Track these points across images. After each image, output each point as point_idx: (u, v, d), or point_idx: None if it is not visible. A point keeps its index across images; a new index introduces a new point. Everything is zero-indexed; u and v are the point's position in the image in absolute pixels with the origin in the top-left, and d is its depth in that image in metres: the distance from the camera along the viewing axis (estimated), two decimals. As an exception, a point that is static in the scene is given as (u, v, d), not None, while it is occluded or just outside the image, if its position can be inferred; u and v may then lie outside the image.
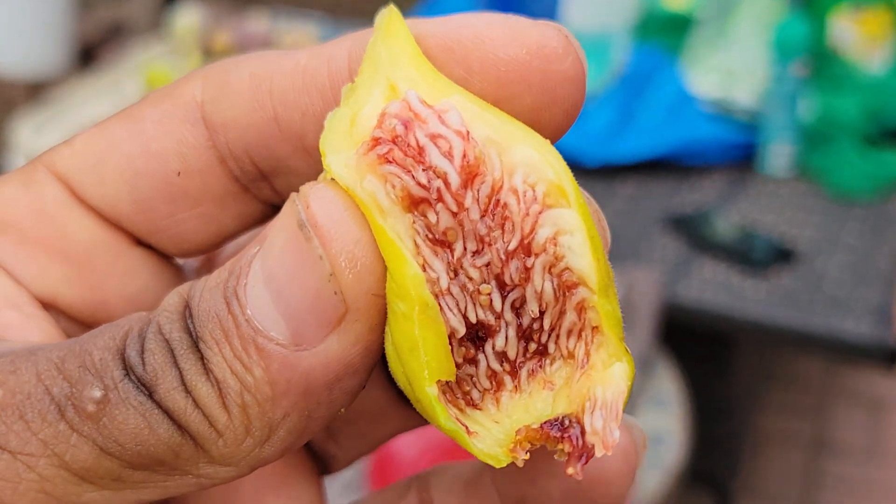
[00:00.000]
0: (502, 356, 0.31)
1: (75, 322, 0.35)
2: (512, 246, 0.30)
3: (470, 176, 0.30)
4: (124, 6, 2.66)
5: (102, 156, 0.34)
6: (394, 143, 0.30)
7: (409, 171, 0.30)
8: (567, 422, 0.30)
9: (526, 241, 0.30)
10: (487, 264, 0.31)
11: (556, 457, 0.30)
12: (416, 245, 0.30)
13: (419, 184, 0.30)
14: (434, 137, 0.30)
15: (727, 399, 2.13)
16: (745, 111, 2.02)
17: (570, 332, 0.31)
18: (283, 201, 0.33)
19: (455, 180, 0.30)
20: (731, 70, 2.05)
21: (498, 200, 0.31)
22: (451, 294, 0.31)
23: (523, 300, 0.31)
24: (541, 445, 0.30)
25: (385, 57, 0.32)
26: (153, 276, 0.36)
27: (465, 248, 0.31)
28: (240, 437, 0.30)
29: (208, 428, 0.29)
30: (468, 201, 0.30)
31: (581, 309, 0.31)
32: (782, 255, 1.76)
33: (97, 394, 0.29)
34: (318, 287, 0.29)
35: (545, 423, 0.30)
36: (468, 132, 0.31)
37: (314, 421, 0.30)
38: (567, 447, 0.30)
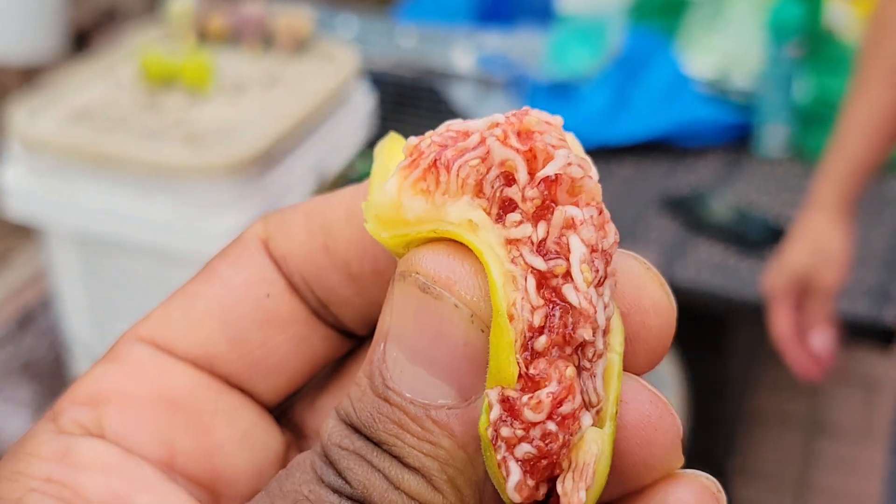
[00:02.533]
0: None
1: (192, 481, 0.36)
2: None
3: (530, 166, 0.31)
4: (118, -10, 2.65)
5: (188, 306, 0.36)
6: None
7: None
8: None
9: None
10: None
11: None
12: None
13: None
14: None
15: (723, 380, 2.14)
16: (740, 92, 2.02)
17: None
18: (343, 328, 0.37)
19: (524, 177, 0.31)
20: (726, 52, 2.05)
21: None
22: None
23: None
24: None
25: (386, 149, 0.34)
26: (255, 418, 0.37)
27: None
28: None
29: None
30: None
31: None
32: (778, 236, 1.76)
33: None
34: (464, 334, 0.30)
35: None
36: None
37: None
38: None
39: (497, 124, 0.32)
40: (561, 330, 0.30)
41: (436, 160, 0.31)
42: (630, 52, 2.07)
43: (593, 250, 0.31)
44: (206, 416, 0.36)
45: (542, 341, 0.30)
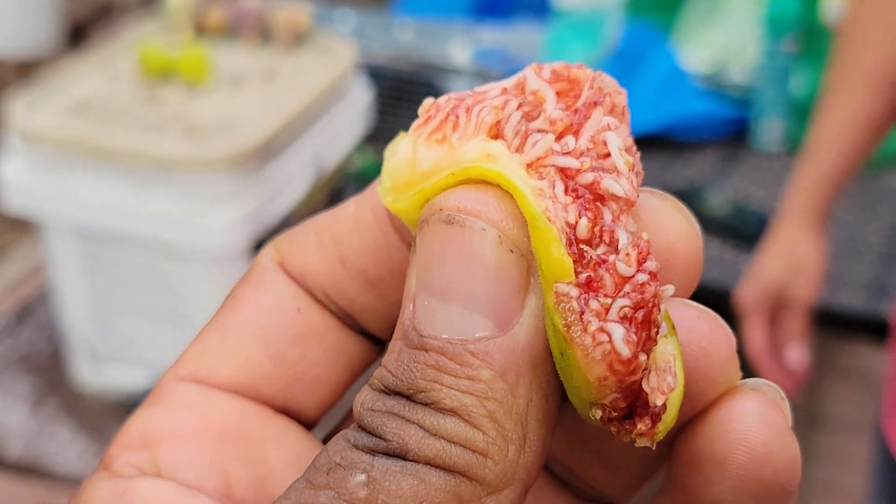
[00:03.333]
0: None
1: None
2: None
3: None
4: (115, -16, 2.65)
5: (222, 336, 0.36)
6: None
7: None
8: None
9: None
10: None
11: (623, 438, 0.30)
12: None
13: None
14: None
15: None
16: (737, 87, 2.02)
17: None
18: (374, 335, 0.37)
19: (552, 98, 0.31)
20: (723, 46, 2.05)
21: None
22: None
23: None
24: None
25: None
26: (303, 441, 0.37)
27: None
28: (502, 448, 0.29)
29: (472, 455, 0.29)
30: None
31: None
32: (775, 230, 1.76)
33: (361, 478, 0.29)
34: (495, 258, 0.29)
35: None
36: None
37: (552, 400, 0.30)
38: (640, 425, 0.30)
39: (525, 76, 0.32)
40: (601, 222, 0.30)
41: (454, 108, 0.31)
42: (627, 46, 2.08)
43: (628, 150, 0.31)
44: (257, 444, 0.36)
45: (583, 226, 0.30)
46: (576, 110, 0.31)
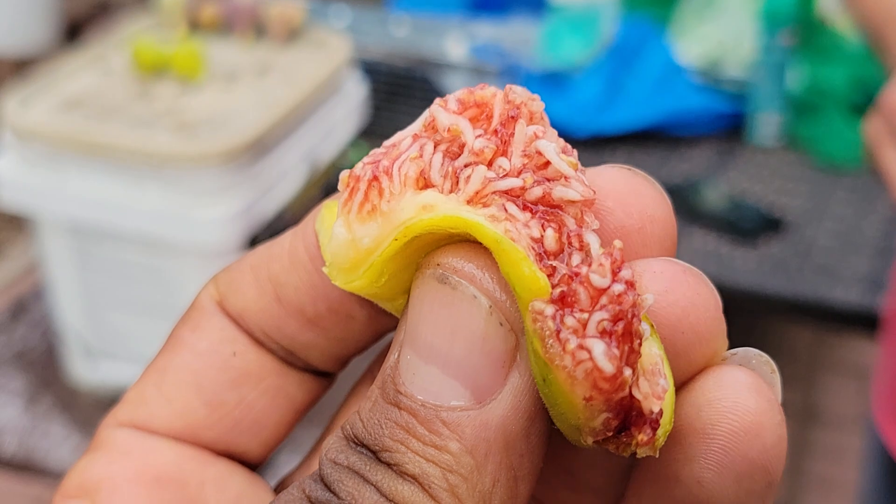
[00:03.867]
0: None
1: None
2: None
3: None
4: (110, -19, 2.64)
5: (159, 380, 0.36)
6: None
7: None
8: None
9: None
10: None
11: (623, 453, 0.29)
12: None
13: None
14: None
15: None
16: (733, 81, 2.02)
17: None
18: (320, 370, 0.37)
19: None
20: (719, 40, 2.05)
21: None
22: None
23: None
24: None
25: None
26: (244, 483, 0.36)
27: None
28: None
29: None
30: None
31: None
32: (771, 225, 1.76)
33: None
34: (482, 327, 0.28)
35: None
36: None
37: (522, 482, 0.29)
38: (641, 435, 0.28)
39: (433, 114, 0.31)
40: (565, 229, 0.29)
41: (374, 175, 0.30)
42: (623, 41, 2.07)
43: (564, 151, 0.30)
44: (194, 489, 0.35)
45: (550, 237, 0.29)
46: (495, 131, 0.30)
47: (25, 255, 1.85)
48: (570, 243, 0.29)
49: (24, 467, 1.48)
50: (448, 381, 0.28)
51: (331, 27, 1.99)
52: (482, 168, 0.30)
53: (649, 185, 0.33)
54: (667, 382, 0.29)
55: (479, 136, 0.30)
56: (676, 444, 0.30)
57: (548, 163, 0.30)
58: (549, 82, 2.01)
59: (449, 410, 0.28)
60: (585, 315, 0.28)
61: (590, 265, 0.28)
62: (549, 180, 0.30)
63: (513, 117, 0.30)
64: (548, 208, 0.29)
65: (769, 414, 0.29)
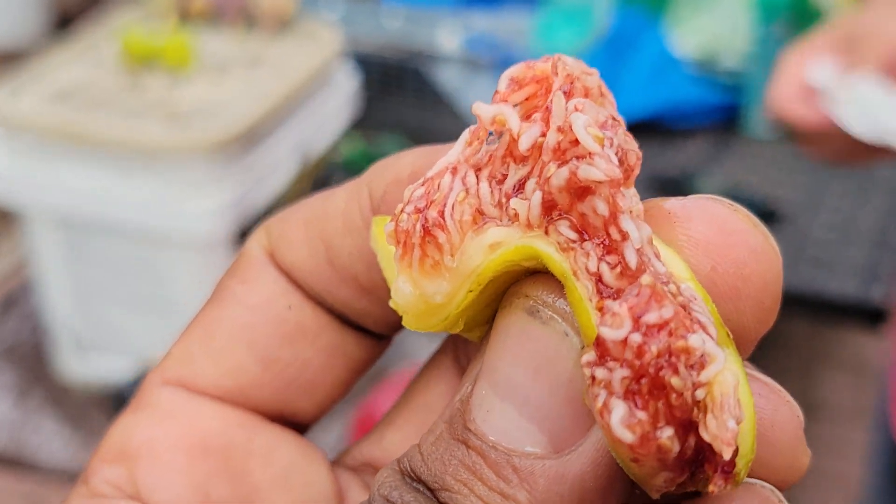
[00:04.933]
0: None
1: None
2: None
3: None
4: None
5: (208, 336, 0.34)
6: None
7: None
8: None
9: None
10: None
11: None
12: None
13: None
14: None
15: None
16: (729, 73, 2.01)
17: None
18: (375, 332, 0.34)
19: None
20: (714, 32, 2.04)
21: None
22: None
23: None
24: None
25: None
26: (295, 454, 0.34)
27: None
28: None
29: None
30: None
31: None
32: (767, 217, 1.76)
33: None
34: (570, 370, 0.26)
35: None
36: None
37: None
38: (714, 484, 0.25)
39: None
40: (620, 250, 0.26)
41: (425, 229, 0.27)
42: (617, 32, 2.06)
43: (604, 124, 0.27)
44: (240, 460, 0.33)
45: (606, 272, 0.26)
46: (546, 109, 0.27)
47: (15, 249, 1.84)
48: (609, 242, 0.26)
49: (14, 462, 1.48)
50: (525, 424, 0.26)
51: (323, 19, 1.98)
52: (537, 193, 0.27)
53: (751, 227, 0.28)
54: (740, 412, 0.25)
55: (527, 132, 0.27)
56: None
57: (577, 140, 0.27)
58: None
59: (522, 456, 0.26)
60: (613, 363, 0.24)
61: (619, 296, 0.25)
62: (577, 158, 0.26)
63: (566, 93, 0.27)
64: (578, 196, 0.26)
65: None
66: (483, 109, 0.28)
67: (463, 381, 0.28)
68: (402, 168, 0.32)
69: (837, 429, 2.46)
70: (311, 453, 0.35)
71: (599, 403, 0.24)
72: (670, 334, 0.24)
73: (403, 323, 0.30)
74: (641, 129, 1.97)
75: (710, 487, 0.25)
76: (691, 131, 1.99)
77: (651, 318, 0.24)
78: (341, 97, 1.62)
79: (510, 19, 2.10)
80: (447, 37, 2.05)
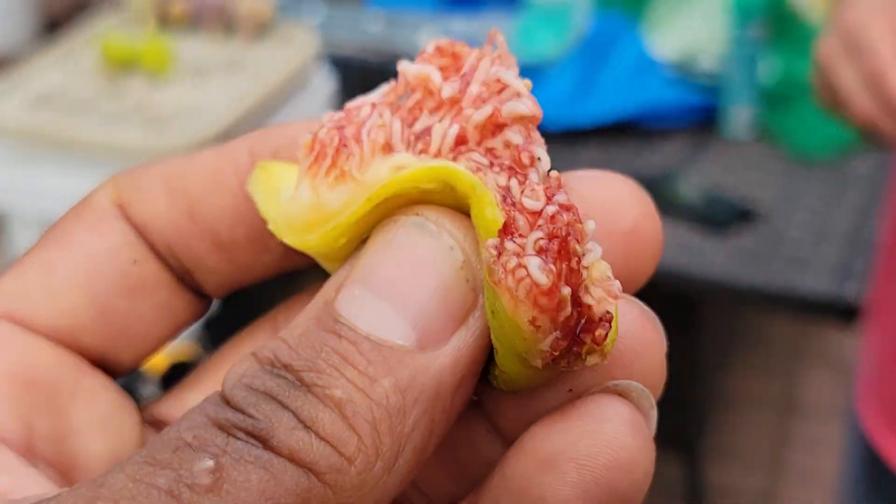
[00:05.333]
0: None
1: (49, 465, 0.33)
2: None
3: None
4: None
5: (46, 274, 0.34)
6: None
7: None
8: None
9: None
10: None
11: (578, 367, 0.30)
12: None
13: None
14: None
15: (695, 360, 2.15)
16: (706, 74, 2.02)
17: None
18: (205, 293, 0.36)
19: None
20: (691, 34, 2.06)
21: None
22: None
23: None
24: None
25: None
26: (116, 402, 0.35)
27: None
28: (370, 460, 0.27)
29: (337, 458, 0.27)
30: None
31: None
32: (743, 216, 1.78)
33: (209, 463, 0.26)
34: (449, 277, 0.29)
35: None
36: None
37: (434, 437, 0.29)
38: (599, 331, 0.29)
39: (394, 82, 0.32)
40: (526, 176, 0.30)
41: (340, 139, 0.31)
42: (596, 35, 2.08)
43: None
44: (65, 398, 0.33)
45: (515, 186, 0.30)
46: (463, 75, 0.31)
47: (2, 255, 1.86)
48: (520, 159, 0.30)
49: None
50: (398, 321, 0.28)
51: (304, 23, 1.99)
52: (439, 127, 0.31)
53: (635, 198, 0.33)
54: (616, 292, 0.29)
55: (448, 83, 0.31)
56: (547, 468, 0.30)
57: (504, 87, 0.31)
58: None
59: (393, 348, 0.28)
60: (524, 239, 0.28)
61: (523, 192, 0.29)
62: (504, 99, 0.31)
63: (482, 57, 0.31)
64: (491, 132, 0.30)
65: (644, 452, 0.30)
66: (409, 67, 0.32)
67: (323, 290, 0.30)
68: (295, 131, 0.35)
69: (817, 426, 2.48)
70: (125, 403, 0.35)
71: (512, 264, 0.28)
72: (574, 214, 0.29)
73: (274, 231, 0.32)
74: (620, 130, 1.98)
75: (598, 332, 0.29)
76: (669, 132, 2.00)
77: (561, 198, 0.29)
78: (318, 100, 1.64)
79: (490, 22, 2.11)
80: (428, 40, 2.06)
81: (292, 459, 0.27)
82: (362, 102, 0.32)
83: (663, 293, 1.84)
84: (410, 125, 0.31)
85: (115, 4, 1.72)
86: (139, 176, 0.35)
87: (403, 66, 0.32)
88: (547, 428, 0.30)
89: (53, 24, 2.48)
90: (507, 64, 0.31)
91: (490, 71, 0.31)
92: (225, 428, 0.27)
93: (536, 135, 0.31)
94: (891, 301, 1.18)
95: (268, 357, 0.28)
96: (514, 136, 0.30)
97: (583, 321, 0.29)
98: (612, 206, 0.32)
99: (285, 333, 0.29)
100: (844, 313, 1.64)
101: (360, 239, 0.31)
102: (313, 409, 0.27)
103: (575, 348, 0.29)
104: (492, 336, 0.30)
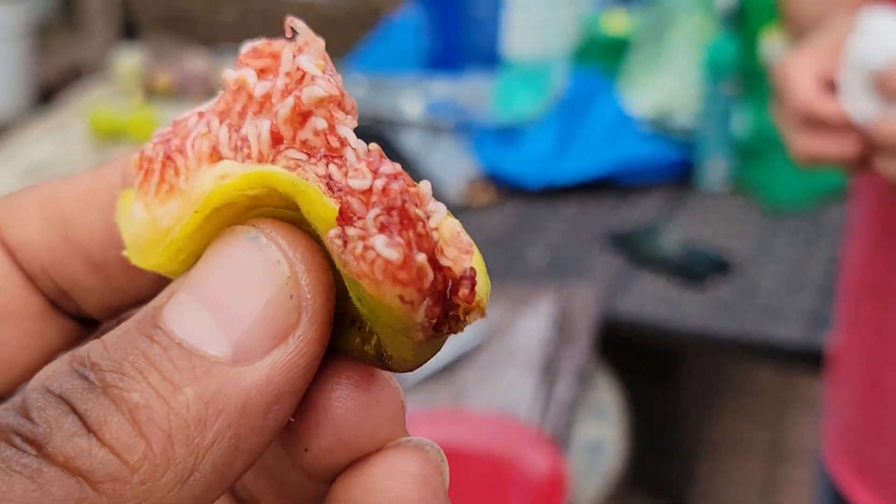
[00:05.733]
0: None
1: None
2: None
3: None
4: (82, 48, 2.71)
5: None
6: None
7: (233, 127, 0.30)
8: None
9: None
10: None
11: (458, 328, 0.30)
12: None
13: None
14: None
15: (676, 409, 2.18)
16: (681, 130, 2.07)
17: None
18: (88, 316, 0.35)
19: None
20: (667, 91, 2.11)
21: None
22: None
23: None
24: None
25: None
26: None
27: None
28: (159, 469, 0.26)
29: (118, 466, 0.25)
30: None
31: None
32: (719, 267, 1.81)
33: None
34: (272, 293, 0.28)
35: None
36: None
37: (241, 455, 0.28)
38: (462, 290, 0.29)
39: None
40: (344, 158, 0.29)
41: (167, 155, 0.30)
42: (573, 94, 2.13)
43: (323, 62, 0.31)
44: None
45: (335, 171, 0.29)
46: (277, 74, 0.31)
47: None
48: (328, 141, 0.29)
49: None
50: (215, 332, 0.28)
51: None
52: (252, 128, 0.30)
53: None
54: (470, 243, 0.29)
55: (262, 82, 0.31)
56: None
57: (305, 75, 0.30)
58: (502, 136, 2.07)
59: (204, 357, 0.27)
60: (362, 213, 0.28)
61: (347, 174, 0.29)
62: (302, 87, 0.30)
63: (294, 53, 0.31)
64: (300, 124, 0.30)
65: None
66: (229, 74, 0.31)
67: (156, 297, 0.29)
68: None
69: (804, 471, 2.50)
70: None
71: (359, 249, 0.27)
72: (404, 181, 0.29)
73: (128, 257, 0.31)
74: (598, 186, 2.03)
75: (462, 292, 0.29)
76: (647, 187, 2.05)
77: (386, 168, 0.29)
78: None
79: (470, 85, 2.16)
80: (411, 103, 2.11)
81: (66, 467, 0.25)
82: (190, 113, 0.32)
83: (646, 345, 1.88)
84: (238, 130, 0.31)
85: (104, 77, 1.78)
86: (13, 201, 0.35)
87: (226, 74, 0.31)
88: (349, 478, 0.30)
89: (47, 93, 2.54)
90: (311, 50, 0.31)
91: (293, 61, 0.30)
92: (3, 434, 0.26)
93: (340, 114, 0.30)
94: (853, 350, 1.22)
95: (80, 356, 0.27)
96: (319, 121, 0.30)
97: (450, 283, 0.29)
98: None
99: (108, 334, 0.28)
100: (819, 361, 1.68)
101: (200, 252, 0.30)
102: (103, 412, 0.26)
103: (451, 312, 0.29)
104: (368, 324, 0.30)
